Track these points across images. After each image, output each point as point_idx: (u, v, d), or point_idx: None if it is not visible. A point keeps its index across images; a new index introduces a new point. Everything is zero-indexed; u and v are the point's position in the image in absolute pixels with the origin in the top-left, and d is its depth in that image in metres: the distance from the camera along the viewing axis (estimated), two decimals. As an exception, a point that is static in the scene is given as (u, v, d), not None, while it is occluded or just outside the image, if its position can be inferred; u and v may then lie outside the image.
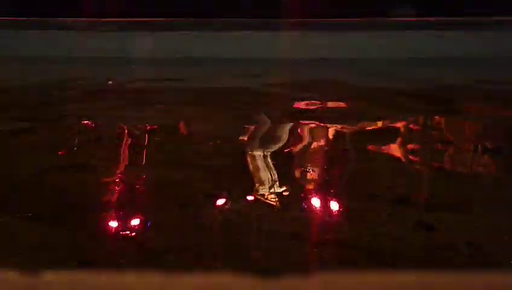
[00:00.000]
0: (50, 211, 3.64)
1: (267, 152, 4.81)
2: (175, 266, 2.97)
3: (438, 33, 11.01)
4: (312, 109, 6.78)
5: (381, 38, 10.81)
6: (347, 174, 4.42)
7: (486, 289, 2.88)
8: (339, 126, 5.78)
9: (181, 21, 11.46)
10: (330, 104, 7.01)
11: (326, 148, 5.16)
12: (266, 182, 4.13)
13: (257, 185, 4.08)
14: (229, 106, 6.81)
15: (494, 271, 2.96)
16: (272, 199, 3.80)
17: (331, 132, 5.63)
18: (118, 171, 4.49)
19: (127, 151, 5.05)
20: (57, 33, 11.34)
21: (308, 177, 4.32)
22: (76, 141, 5.40)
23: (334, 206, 3.72)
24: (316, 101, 7.01)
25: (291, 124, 5.88)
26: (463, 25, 11.09)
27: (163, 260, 3.01)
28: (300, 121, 6.01)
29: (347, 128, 5.72)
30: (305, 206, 3.70)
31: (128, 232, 3.33)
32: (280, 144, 5.20)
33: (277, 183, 4.10)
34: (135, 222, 3.47)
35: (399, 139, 5.36)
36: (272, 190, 3.96)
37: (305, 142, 5.30)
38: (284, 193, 3.90)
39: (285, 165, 4.56)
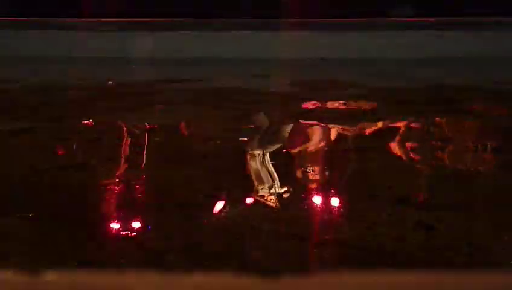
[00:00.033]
0: (50, 211, 3.63)
1: (267, 152, 4.81)
2: (175, 266, 2.97)
3: (438, 33, 11.01)
4: (312, 108, 6.78)
5: (381, 38, 10.82)
6: (347, 174, 4.42)
7: (486, 289, 2.88)
8: (339, 126, 5.78)
9: (181, 21, 11.46)
10: (330, 104, 7.01)
11: (326, 148, 5.16)
12: (266, 182, 4.13)
13: (257, 185, 4.08)
14: (230, 106, 6.81)
15: (494, 271, 2.96)
16: (272, 199, 3.80)
17: (330, 132, 5.62)
18: (118, 171, 4.49)
19: (127, 151, 5.05)
20: (57, 33, 11.35)
21: (307, 177, 4.32)
22: (76, 141, 5.40)
23: (334, 206, 3.72)
24: (316, 102, 7.01)
25: (291, 124, 5.88)
26: (463, 25, 11.09)
27: (163, 260, 3.01)
28: (300, 121, 6.02)
29: (347, 129, 5.72)
30: (305, 206, 3.70)
31: (128, 232, 3.32)
32: (280, 144, 5.20)
33: (277, 183, 4.10)
34: (135, 221, 3.46)
35: (399, 139, 5.36)
36: (272, 190, 3.96)
37: (305, 142, 5.30)
38: (283, 193, 3.90)
39: (285, 165, 4.56)
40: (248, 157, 4.72)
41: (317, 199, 3.81)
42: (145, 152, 5.01)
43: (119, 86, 8.41)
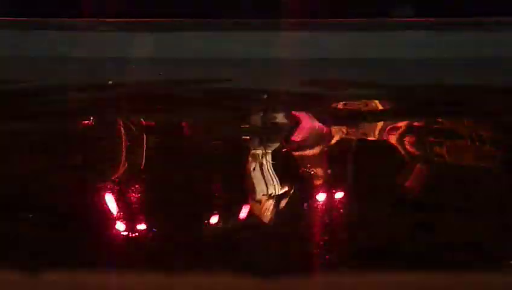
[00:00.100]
0: (50, 211, 3.63)
1: (269, 152, 4.80)
2: (175, 266, 2.97)
3: (438, 33, 11.00)
4: (348, 108, 6.75)
5: (381, 38, 10.80)
6: (347, 174, 4.42)
7: (486, 289, 2.88)
8: (340, 126, 5.78)
9: (181, 21, 11.45)
10: (361, 104, 6.98)
11: (326, 148, 5.16)
12: (267, 183, 4.12)
13: (257, 185, 4.08)
14: (230, 106, 6.80)
15: (494, 271, 2.96)
16: (272, 199, 3.80)
17: (330, 131, 5.62)
18: (117, 171, 4.49)
19: (127, 151, 5.04)
20: (57, 33, 11.34)
21: (308, 178, 4.32)
22: (76, 141, 5.40)
23: (334, 206, 3.72)
24: (345, 102, 6.98)
25: (291, 124, 5.88)
26: (463, 25, 11.08)
27: (163, 260, 3.01)
28: (300, 120, 6.01)
29: (348, 128, 5.71)
30: (305, 206, 3.69)
31: (128, 232, 3.32)
32: (282, 144, 5.20)
33: (278, 183, 4.10)
34: (135, 222, 3.46)
35: (399, 139, 5.36)
36: (272, 190, 3.96)
37: (305, 142, 5.29)
38: (284, 193, 3.89)
39: (286, 165, 4.55)
40: (250, 157, 4.71)
41: (317, 199, 3.81)
42: (144, 152, 5.01)
43: (119, 86, 8.40)
